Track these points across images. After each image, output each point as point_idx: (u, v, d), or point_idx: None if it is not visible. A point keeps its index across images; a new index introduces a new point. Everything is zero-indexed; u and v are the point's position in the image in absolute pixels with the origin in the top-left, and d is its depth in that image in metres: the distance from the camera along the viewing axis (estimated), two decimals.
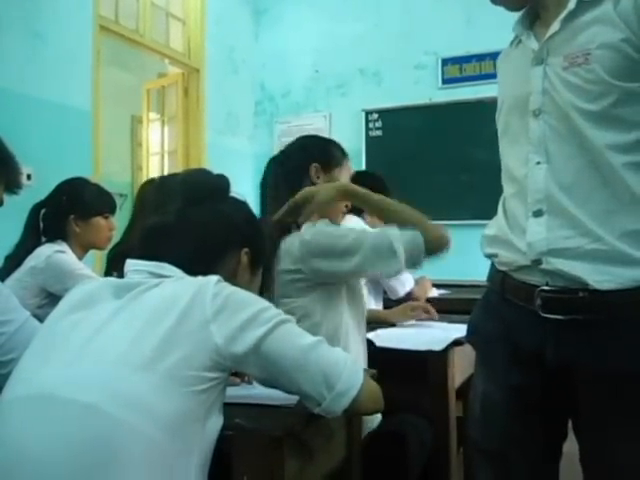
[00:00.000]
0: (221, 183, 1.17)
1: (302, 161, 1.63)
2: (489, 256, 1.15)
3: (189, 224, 1.08)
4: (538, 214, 1.01)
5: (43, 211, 2.05)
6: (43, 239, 2.02)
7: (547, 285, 1.00)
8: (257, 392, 1.10)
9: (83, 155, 3.26)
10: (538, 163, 1.02)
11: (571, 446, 1.12)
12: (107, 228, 2.11)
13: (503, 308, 1.09)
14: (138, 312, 0.92)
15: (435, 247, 1.44)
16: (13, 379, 0.90)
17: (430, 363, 1.70)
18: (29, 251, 1.96)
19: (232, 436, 0.97)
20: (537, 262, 1.00)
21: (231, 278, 1.05)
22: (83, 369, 0.86)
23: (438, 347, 1.69)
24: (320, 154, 1.65)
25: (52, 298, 1.87)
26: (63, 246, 2.01)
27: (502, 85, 1.17)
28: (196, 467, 0.86)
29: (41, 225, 2.04)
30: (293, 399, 1.03)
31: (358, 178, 2.60)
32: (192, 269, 1.01)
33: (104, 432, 0.80)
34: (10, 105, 2.86)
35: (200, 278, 0.97)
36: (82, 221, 2.06)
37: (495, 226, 1.12)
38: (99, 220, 2.09)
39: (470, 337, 1.23)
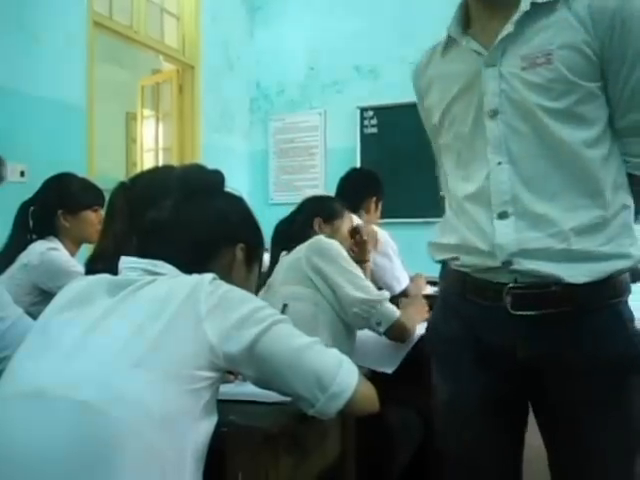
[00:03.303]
0: (216, 178, 1.16)
1: (305, 218, 1.86)
2: (442, 261, 1.15)
3: (183, 220, 1.08)
4: (503, 216, 1.01)
5: (32, 208, 2.03)
6: (34, 236, 2.00)
7: (516, 282, 1.01)
8: (251, 389, 1.10)
9: (77, 151, 3.23)
10: (499, 164, 1.02)
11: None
12: (97, 221, 2.08)
13: (464, 308, 1.09)
14: (132, 310, 0.91)
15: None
16: (5, 377, 0.89)
17: (424, 362, 1.70)
18: (20, 249, 1.94)
19: (226, 433, 0.97)
20: (508, 263, 1.00)
21: (227, 275, 1.05)
22: (76, 367, 0.85)
23: (389, 369, 1.60)
24: (321, 209, 1.89)
25: (45, 295, 1.85)
26: (55, 243, 2.00)
27: (440, 92, 1.12)
28: (190, 465, 0.85)
29: (30, 222, 2.02)
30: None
31: (353, 176, 2.61)
32: (187, 266, 1.00)
33: (97, 430, 0.79)
34: (3, 102, 2.84)
35: (195, 276, 0.96)
36: (71, 215, 2.05)
37: (454, 235, 1.10)
38: (88, 214, 2.08)
39: (429, 339, 1.23)
